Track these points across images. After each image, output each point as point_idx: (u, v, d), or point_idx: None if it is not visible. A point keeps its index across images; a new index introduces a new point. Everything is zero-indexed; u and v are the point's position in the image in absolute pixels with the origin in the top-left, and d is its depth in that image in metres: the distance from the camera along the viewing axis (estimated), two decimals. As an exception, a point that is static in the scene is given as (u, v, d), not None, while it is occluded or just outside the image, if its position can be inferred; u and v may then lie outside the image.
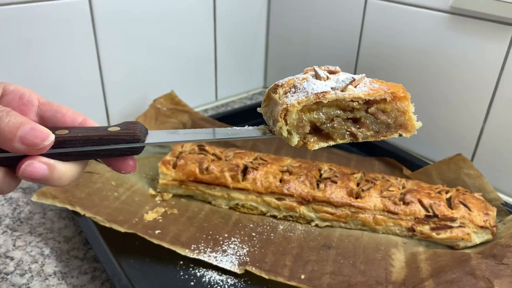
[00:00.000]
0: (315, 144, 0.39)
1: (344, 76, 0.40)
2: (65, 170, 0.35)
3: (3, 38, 0.71)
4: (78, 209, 0.62)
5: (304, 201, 0.65)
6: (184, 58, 0.95)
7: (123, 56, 0.86)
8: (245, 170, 0.68)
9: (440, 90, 0.77)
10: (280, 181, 0.66)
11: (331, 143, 0.39)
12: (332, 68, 0.41)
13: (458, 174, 0.70)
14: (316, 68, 0.41)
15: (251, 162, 0.69)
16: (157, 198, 0.69)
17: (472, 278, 0.51)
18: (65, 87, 0.80)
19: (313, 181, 0.66)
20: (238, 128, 0.40)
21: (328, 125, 0.38)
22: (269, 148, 0.83)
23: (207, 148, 0.73)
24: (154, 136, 0.37)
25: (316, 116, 0.38)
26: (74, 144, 0.34)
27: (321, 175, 0.68)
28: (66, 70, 0.79)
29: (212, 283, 0.55)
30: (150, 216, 0.64)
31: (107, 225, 0.60)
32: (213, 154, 0.71)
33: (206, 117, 0.89)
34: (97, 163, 0.73)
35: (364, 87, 0.39)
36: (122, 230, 0.60)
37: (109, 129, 0.36)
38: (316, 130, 0.39)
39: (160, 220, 0.64)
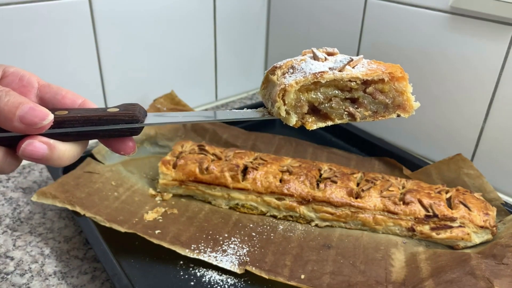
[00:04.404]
0: (313, 124, 0.39)
1: (342, 57, 0.40)
2: (65, 150, 0.35)
3: (3, 38, 0.71)
4: (78, 209, 0.62)
5: (304, 201, 0.65)
6: (184, 58, 0.95)
7: (123, 56, 0.86)
8: (245, 170, 0.68)
9: (440, 90, 0.77)
10: (280, 181, 0.66)
11: (329, 123, 0.39)
12: (330, 49, 0.42)
13: (458, 174, 0.70)
14: (314, 49, 0.41)
15: (251, 162, 0.69)
16: (157, 198, 0.69)
17: (472, 278, 0.51)
18: (65, 87, 0.80)
19: (313, 181, 0.66)
20: (237, 110, 0.40)
21: (326, 105, 0.39)
22: (269, 148, 0.83)
23: (207, 148, 0.73)
24: (153, 118, 0.38)
25: (314, 96, 0.38)
26: (73, 124, 0.35)
27: (321, 175, 0.68)
28: (66, 70, 0.79)
29: (212, 283, 0.55)
30: (150, 216, 0.64)
31: (107, 225, 0.60)
32: (213, 154, 0.71)
33: (206, 117, 0.89)
34: (97, 163, 0.73)
35: (362, 68, 0.39)
36: (122, 230, 0.60)
37: (108, 110, 0.36)
38: (314, 111, 0.39)
39: (160, 220, 0.64)
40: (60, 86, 0.39)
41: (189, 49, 0.95)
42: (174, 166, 0.70)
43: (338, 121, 0.39)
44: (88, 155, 0.74)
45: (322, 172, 0.69)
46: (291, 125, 0.38)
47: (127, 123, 0.36)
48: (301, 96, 0.38)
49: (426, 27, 0.75)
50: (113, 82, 0.87)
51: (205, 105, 1.04)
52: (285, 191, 0.65)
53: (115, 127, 0.36)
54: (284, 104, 0.38)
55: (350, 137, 0.88)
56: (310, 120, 0.39)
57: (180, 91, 0.92)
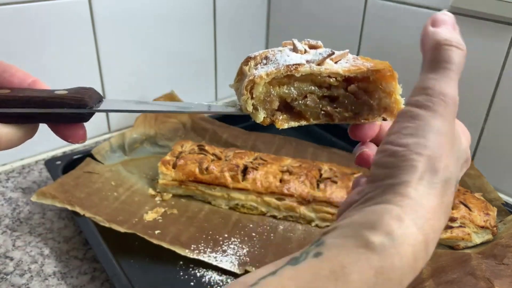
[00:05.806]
0: (284, 123, 0.35)
1: (323, 50, 0.36)
2: (2, 133, 0.32)
3: (3, 38, 0.71)
4: (77, 209, 0.61)
5: (304, 201, 0.65)
6: (184, 58, 0.95)
7: (123, 56, 0.86)
8: (245, 170, 0.68)
9: (440, 90, 0.77)
10: (280, 181, 0.66)
11: (303, 122, 0.35)
12: (313, 42, 0.37)
13: (458, 174, 0.70)
14: (295, 40, 0.36)
15: (251, 162, 0.69)
16: (157, 198, 0.69)
17: (473, 278, 0.51)
18: (64, 87, 0.80)
19: (313, 181, 0.66)
20: (206, 104, 0.36)
21: (300, 102, 0.34)
22: (269, 148, 0.83)
23: (207, 148, 0.72)
24: (106, 104, 0.34)
25: (286, 91, 0.34)
26: (13, 105, 0.32)
27: (321, 175, 0.68)
28: (65, 70, 0.79)
29: (212, 283, 0.55)
30: (149, 216, 0.64)
31: (107, 225, 0.60)
32: (213, 154, 0.71)
33: (206, 117, 0.89)
34: (97, 163, 0.73)
35: (346, 63, 0.35)
36: (122, 230, 0.60)
37: (57, 92, 0.33)
38: (287, 108, 0.35)
39: (160, 220, 0.64)
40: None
41: (189, 49, 0.95)
42: (174, 166, 0.69)
43: (313, 121, 0.35)
44: (87, 155, 0.74)
45: (322, 172, 0.69)
46: (258, 122, 0.34)
47: (74, 108, 0.33)
48: (272, 90, 0.34)
49: (426, 27, 0.75)
50: (113, 82, 0.86)
51: (205, 105, 1.04)
52: (285, 191, 0.65)
53: (60, 111, 0.33)
54: (252, 98, 0.33)
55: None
56: (281, 117, 0.34)
57: (180, 91, 0.92)
